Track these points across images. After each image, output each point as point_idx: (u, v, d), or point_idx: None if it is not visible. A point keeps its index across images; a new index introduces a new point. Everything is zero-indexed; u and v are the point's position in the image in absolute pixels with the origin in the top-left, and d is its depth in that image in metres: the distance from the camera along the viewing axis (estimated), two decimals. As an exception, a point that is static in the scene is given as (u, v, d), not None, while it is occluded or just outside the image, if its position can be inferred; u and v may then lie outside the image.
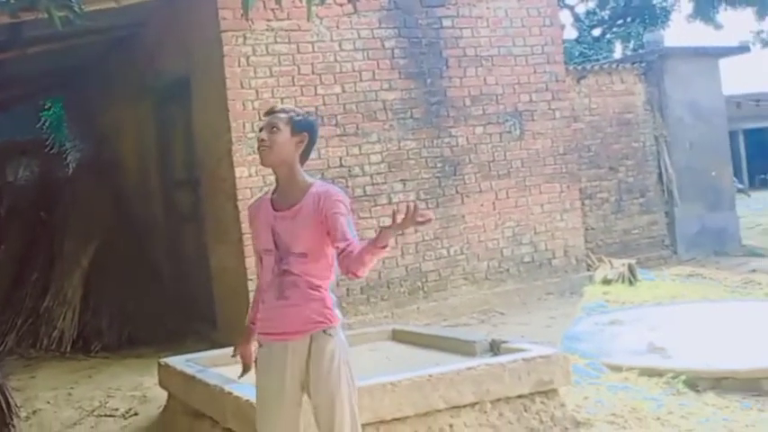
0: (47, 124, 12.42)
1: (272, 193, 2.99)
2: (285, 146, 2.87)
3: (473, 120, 7.79)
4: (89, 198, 8.28)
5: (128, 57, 8.65)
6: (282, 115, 2.91)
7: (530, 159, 8.08)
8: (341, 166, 7.04)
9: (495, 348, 4.56)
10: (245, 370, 3.17)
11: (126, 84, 8.94)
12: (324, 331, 2.85)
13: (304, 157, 2.94)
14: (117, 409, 5.21)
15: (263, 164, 3.00)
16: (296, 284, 2.85)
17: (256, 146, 2.97)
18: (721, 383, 4.66)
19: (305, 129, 2.92)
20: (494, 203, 7.83)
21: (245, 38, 6.67)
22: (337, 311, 2.94)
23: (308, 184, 2.92)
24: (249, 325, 3.15)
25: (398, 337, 5.38)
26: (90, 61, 9.41)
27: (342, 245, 2.76)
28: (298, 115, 2.94)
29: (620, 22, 28.52)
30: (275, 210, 2.92)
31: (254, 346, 3.12)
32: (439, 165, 7.56)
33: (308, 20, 6.52)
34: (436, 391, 3.92)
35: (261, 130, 2.93)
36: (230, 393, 3.88)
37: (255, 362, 3.07)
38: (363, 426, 3.76)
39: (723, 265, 10.28)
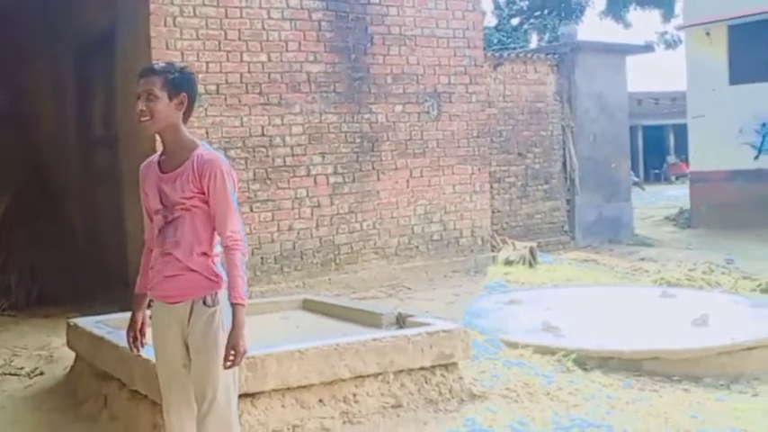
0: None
1: (161, 155, 2.95)
2: (165, 112, 2.80)
3: (393, 98, 7.94)
4: (3, 151, 7.93)
5: (52, 7, 8.27)
6: (157, 78, 2.80)
7: (445, 140, 8.32)
8: (262, 134, 7.06)
9: (400, 321, 4.74)
10: (133, 339, 3.07)
11: (48, 35, 8.55)
12: (204, 298, 2.85)
13: (187, 116, 2.89)
14: (22, 368, 5.12)
15: (146, 133, 3.01)
16: (178, 244, 2.85)
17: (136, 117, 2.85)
18: (607, 363, 4.99)
19: (183, 89, 2.83)
20: (408, 181, 8.03)
21: (172, -3, 6.56)
22: (221, 272, 2.87)
23: (193, 146, 2.87)
24: (139, 293, 3.05)
25: (309, 306, 5.51)
26: (11, 9, 8.94)
27: (223, 240, 2.82)
28: (172, 73, 2.84)
29: (537, 13, 29.26)
30: (161, 171, 2.89)
31: (144, 314, 3.06)
32: (358, 140, 7.69)
33: (238, -16, 6.48)
34: (342, 360, 4.03)
35: (138, 97, 2.82)
36: (138, 355, 3.88)
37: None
38: (271, 392, 3.88)
39: (616, 253, 10.89)
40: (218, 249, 2.91)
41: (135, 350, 3.11)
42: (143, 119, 2.82)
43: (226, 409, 2.87)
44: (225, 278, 2.88)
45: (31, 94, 9.16)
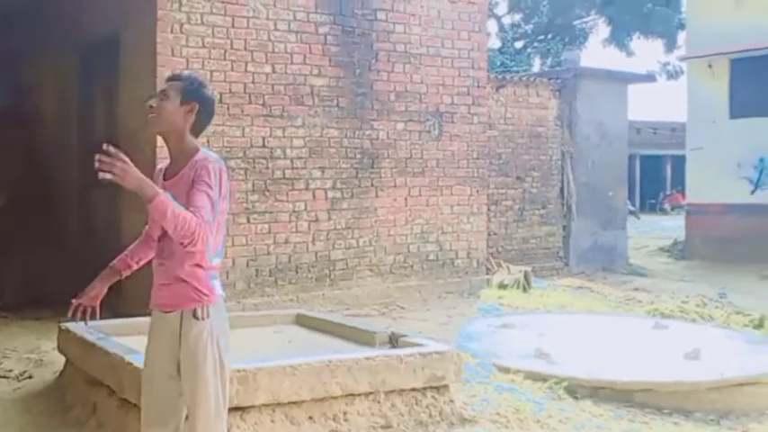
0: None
1: (169, 162, 2.96)
2: (173, 114, 2.82)
3: (395, 115, 7.94)
4: (1, 151, 7.90)
5: (58, 8, 8.28)
6: (177, 83, 2.86)
7: (444, 160, 8.32)
8: (263, 146, 7.04)
9: (393, 341, 4.71)
10: (76, 306, 3.00)
11: (54, 36, 8.55)
12: (194, 310, 2.81)
13: (197, 127, 2.88)
14: (11, 371, 5.08)
15: (150, 131, 2.99)
16: (173, 253, 2.82)
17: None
18: (599, 392, 4.98)
19: (195, 98, 2.84)
20: (406, 199, 8.02)
21: (180, 3, 6.56)
22: (216, 286, 2.85)
23: (194, 152, 2.85)
24: (114, 263, 3.04)
25: (302, 321, 5.48)
26: (18, 8, 8.96)
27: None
28: (192, 83, 2.87)
29: (541, 37, 29.48)
30: (164, 178, 2.90)
31: (101, 287, 3.02)
32: (358, 156, 7.69)
33: (246, -6, 6.50)
34: (334, 377, 4.01)
35: (156, 96, 2.87)
36: (129, 363, 3.86)
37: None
38: (261, 407, 3.86)
39: (610, 281, 10.90)
40: (214, 262, 2.88)
41: (72, 316, 3.04)
42: (150, 114, 2.86)
43: (214, 424, 2.83)
44: (219, 293, 2.87)
45: (33, 94, 9.15)
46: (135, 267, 3.09)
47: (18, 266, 7.13)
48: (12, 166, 7.87)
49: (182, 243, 2.66)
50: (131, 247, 3.10)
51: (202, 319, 2.81)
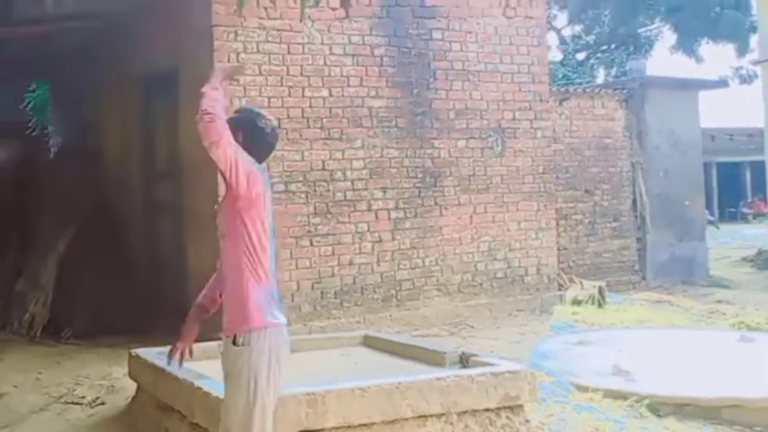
0: (31, 106, 12.24)
1: None
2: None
3: (456, 133, 7.85)
4: (68, 183, 8.17)
5: (117, 44, 8.58)
6: (233, 115, 3.03)
7: (509, 176, 8.16)
8: (323, 169, 7.05)
9: (464, 361, 4.60)
10: (171, 350, 3.07)
11: (113, 71, 8.86)
12: (235, 336, 2.79)
13: (247, 152, 2.92)
14: (84, 397, 5.16)
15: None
16: (224, 271, 2.90)
17: None
18: (683, 410, 4.76)
19: (239, 126, 2.95)
20: (471, 217, 7.89)
21: (236, 34, 6.67)
22: (262, 311, 2.80)
23: None
24: (199, 301, 3.11)
25: (370, 343, 5.41)
26: (78, 47, 9.33)
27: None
28: (239, 112, 3.06)
29: (604, 47, 28.98)
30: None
31: (193, 328, 3.06)
32: (420, 175, 7.62)
33: (301, 21, 6.56)
34: (404, 399, 3.93)
35: None
36: (199, 388, 3.87)
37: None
38: (331, 429, 3.80)
39: (690, 294, 10.48)
40: (256, 288, 2.81)
41: (170, 359, 3.09)
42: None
43: None
44: (266, 316, 2.81)
45: (97, 128, 9.47)
46: (219, 301, 3.08)
47: (88, 295, 7.30)
48: (79, 198, 8.10)
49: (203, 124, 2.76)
50: (211, 281, 3.13)
51: (241, 344, 2.78)
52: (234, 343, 2.79)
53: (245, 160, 2.84)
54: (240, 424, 2.79)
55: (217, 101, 2.81)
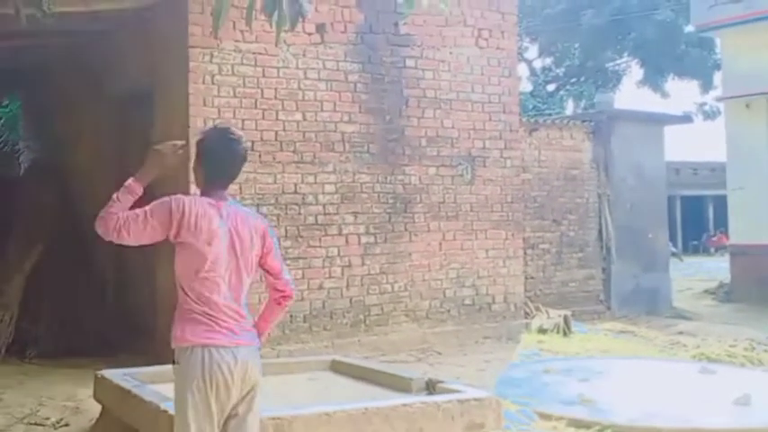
0: (1, 121, 12.07)
1: None
2: (194, 167, 3.00)
3: (427, 160, 7.93)
4: (37, 201, 8.07)
5: (91, 62, 8.54)
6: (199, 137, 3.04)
7: (478, 204, 8.24)
8: (295, 192, 7.07)
9: (430, 387, 4.61)
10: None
11: (86, 89, 8.80)
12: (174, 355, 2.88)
13: (209, 177, 2.98)
14: (48, 419, 5.09)
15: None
16: None
17: None
18: (644, 439, 4.82)
19: (198, 149, 3.00)
20: (440, 244, 7.94)
21: (212, 56, 6.70)
22: (184, 330, 2.85)
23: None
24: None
25: (337, 368, 5.40)
26: (52, 63, 9.25)
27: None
28: (201, 136, 3.05)
29: (573, 80, 29.54)
30: None
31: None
32: (390, 201, 7.66)
33: (276, 45, 6.59)
34: (371, 425, 3.93)
35: None
36: (165, 411, 3.82)
37: None
38: (297, 455, 3.77)
39: (653, 325, 10.61)
40: (186, 300, 2.89)
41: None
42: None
43: None
44: (189, 338, 2.84)
45: (69, 145, 9.37)
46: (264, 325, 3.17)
47: (54, 314, 7.20)
48: (47, 216, 8.01)
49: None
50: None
51: (176, 363, 2.87)
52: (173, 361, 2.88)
53: (161, 218, 2.86)
54: None
55: (121, 202, 2.87)
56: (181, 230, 2.85)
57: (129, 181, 2.91)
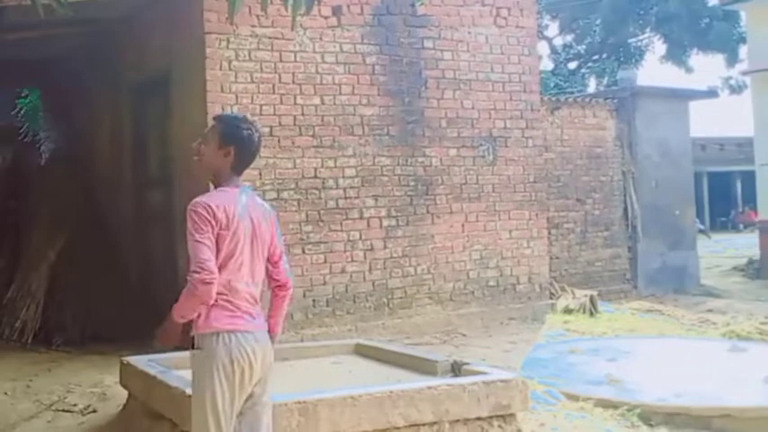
0: (22, 112, 12.20)
1: None
2: (211, 157, 2.95)
3: (448, 141, 7.86)
4: (60, 190, 8.15)
5: (108, 51, 8.58)
6: (215, 125, 3.00)
7: (501, 185, 8.17)
8: (315, 177, 7.05)
9: (456, 369, 4.59)
10: None
11: (105, 78, 8.85)
12: (192, 339, 2.90)
13: (237, 167, 2.97)
14: (75, 405, 5.13)
15: (196, 174, 3.16)
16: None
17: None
18: (674, 419, 4.74)
19: (231, 142, 2.93)
20: (463, 225, 7.89)
21: (228, 42, 6.67)
22: (208, 317, 2.87)
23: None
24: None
25: (361, 351, 5.40)
26: (70, 52, 9.30)
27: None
28: (227, 126, 2.97)
29: (595, 57, 29.12)
30: None
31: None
32: (411, 183, 7.61)
33: (292, 29, 6.57)
34: (396, 408, 3.93)
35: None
36: (190, 396, 3.84)
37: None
38: (324, 437, 3.78)
39: (681, 303, 10.48)
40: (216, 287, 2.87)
41: None
42: (195, 156, 3.04)
43: None
44: (219, 323, 2.87)
45: (89, 134, 9.44)
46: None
47: (80, 302, 7.25)
48: (69, 205, 8.07)
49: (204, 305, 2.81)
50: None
51: (196, 347, 2.89)
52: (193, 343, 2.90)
53: (207, 244, 2.84)
54: (197, 426, 2.87)
55: (178, 307, 2.89)
56: (217, 230, 2.88)
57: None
